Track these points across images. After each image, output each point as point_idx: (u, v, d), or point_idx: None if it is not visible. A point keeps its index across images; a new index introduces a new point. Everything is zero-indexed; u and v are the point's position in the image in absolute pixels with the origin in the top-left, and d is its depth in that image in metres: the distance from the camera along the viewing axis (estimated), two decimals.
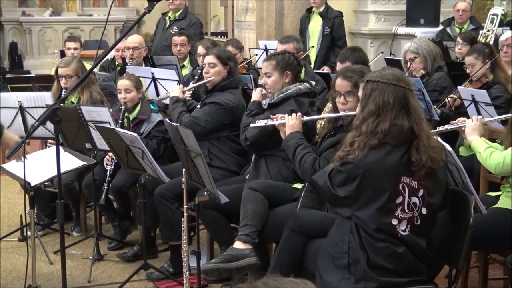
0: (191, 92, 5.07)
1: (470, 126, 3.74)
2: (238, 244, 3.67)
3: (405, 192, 2.94)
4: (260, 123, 3.89)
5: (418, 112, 3.00)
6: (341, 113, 3.61)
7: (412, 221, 2.96)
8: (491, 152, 3.61)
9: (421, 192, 2.97)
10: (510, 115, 3.70)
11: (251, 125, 3.99)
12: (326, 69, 7.41)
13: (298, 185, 3.97)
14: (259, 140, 4.09)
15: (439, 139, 3.22)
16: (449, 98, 5.18)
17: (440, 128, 3.88)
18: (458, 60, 6.30)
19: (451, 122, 3.94)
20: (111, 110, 4.80)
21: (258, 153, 4.24)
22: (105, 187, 4.83)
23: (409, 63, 5.56)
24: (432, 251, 3.08)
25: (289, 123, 3.74)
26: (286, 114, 3.79)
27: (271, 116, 3.90)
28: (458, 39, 6.40)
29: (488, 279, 3.97)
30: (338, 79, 3.64)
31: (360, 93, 3.09)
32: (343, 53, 4.82)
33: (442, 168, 3.03)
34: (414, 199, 2.96)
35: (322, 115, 3.85)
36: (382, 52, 8.25)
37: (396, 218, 2.94)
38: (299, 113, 3.78)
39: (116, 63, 6.66)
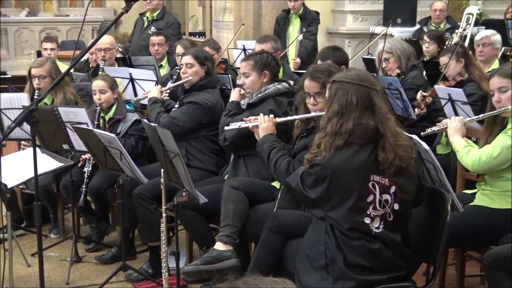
0: (168, 92, 5.06)
1: (452, 126, 3.79)
2: (219, 245, 3.67)
3: (376, 190, 2.95)
4: (234, 126, 3.89)
5: (383, 111, 3.01)
6: (312, 114, 3.63)
7: (385, 218, 2.98)
8: (468, 150, 3.65)
9: (393, 189, 2.99)
10: (489, 113, 3.73)
11: (225, 128, 4.00)
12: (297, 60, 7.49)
13: (277, 184, 3.98)
14: (238, 140, 4.09)
15: (416, 138, 3.24)
16: (419, 96, 5.22)
17: (429, 130, 3.99)
18: (425, 59, 6.34)
19: (436, 124, 4.02)
20: (88, 111, 4.77)
21: (237, 153, 4.24)
22: (83, 189, 4.80)
23: (383, 63, 5.60)
24: (409, 249, 3.10)
25: (262, 126, 3.73)
26: (261, 115, 3.79)
27: (244, 118, 3.90)
28: (425, 37, 6.43)
29: (465, 276, 4.01)
30: (306, 80, 3.65)
31: (327, 94, 3.11)
32: (324, 52, 4.85)
33: (413, 165, 3.05)
34: (386, 196, 2.97)
35: (293, 116, 3.84)
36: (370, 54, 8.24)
37: (369, 216, 2.96)
38: (271, 115, 3.78)
39: (90, 65, 6.60)
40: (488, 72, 5.37)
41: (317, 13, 8.18)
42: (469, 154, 3.64)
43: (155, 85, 5.23)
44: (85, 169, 4.86)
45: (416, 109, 5.19)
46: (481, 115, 3.84)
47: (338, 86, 3.02)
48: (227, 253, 3.65)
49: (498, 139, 3.59)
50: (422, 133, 4.06)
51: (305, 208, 3.58)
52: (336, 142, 2.93)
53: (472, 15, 7.50)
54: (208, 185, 4.27)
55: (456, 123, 3.80)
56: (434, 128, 3.97)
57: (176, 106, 4.76)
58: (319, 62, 4.72)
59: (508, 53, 7.05)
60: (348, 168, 2.92)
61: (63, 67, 5.78)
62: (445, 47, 6.29)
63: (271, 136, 3.70)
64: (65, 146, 4.76)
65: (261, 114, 3.79)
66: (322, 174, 2.94)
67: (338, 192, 2.94)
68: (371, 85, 3.02)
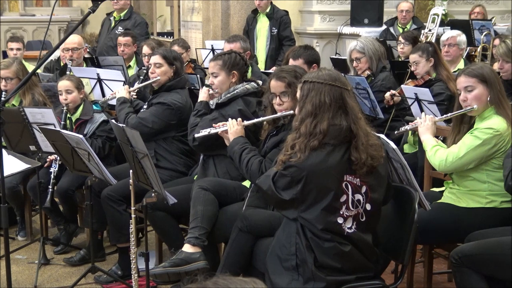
0: (135, 92, 5.03)
1: (423, 125, 3.83)
2: (187, 248, 3.67)
3: (349, 190, 2.98)
4: (204, 132, 3.90)
5: (355, 111, 3.04)
6: (279, 114, 3.66)
7: (357, 218, 3.01)
8: (436, 150, 3.70)
9: (364, 189, 3.01)
10: (456, 112, 3.78)
11: (195, 135, 4.00)
12: (274, 69, 7.45)
13: (247, 183, 3.99)
14: (207, 140, 4.08)
15: (384, 137, 3.27)
16: (388, 94, 5.28)
17: (402, 129, 4.03)
18: (400, 59, 6.42)
19: (409, 122, 4.07)
20: (54, 112, 4.72)
21: (206, 153, 4.23)
22: (50, 190, 4.75)
23: (355, 62, 5.59)
24: (378, 248, 3.13)
25: (231, 130, 3.76)
26: (229, 120, 3.81)
27: (214, 124, 3.91)
28: (400, 38, 6.52)
29: (433, 273, 4.06)
30: (272, 80, 3.69)
31: (298, 94, 3.12)
32: (295, 51, 4.85)
33: (383, 164, 3.08)
34: (358, 196, 3.00)
35: (261, 118, 3.86)
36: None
37: (342, 216, 2.98)
38: (239, 119, 3.81)
39: (62, 64, 6.54)
40: (454, 72, 5.44)
41: (286, 12, 8.23)
42: (437, 154, 3.68)
43: (123, 85, 5.19)
44: (51, 170, 4.81)
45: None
46: (449, 114, 3.88)
47: (310, 86, 3.03)
48: (195, 255, 3.65)
49: (464, 139, 3.64)
50: (396, 132, 4.13)
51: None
52: (311, 143, 2.94)
53: (438, 15, 7.60)
54: (178, 185, 4.26)
55: (427, 122, 3.84)
56: (407, 127, 4.02)
57: (145, 106, 4.74)
58: (290, 60, 4.73)
59: (473, 53, 7.16)
60: (323, 169, 2.93)
61: (30, 67, 5.70)
62: None
63: (241, 138, 3.72)
64: (32, 148, 4.71)
65: (230, 119, 3.82)
66: (298, 176, 2.94)
67: (312, 193, 2.95)
68: (343, 85, 3.04)
